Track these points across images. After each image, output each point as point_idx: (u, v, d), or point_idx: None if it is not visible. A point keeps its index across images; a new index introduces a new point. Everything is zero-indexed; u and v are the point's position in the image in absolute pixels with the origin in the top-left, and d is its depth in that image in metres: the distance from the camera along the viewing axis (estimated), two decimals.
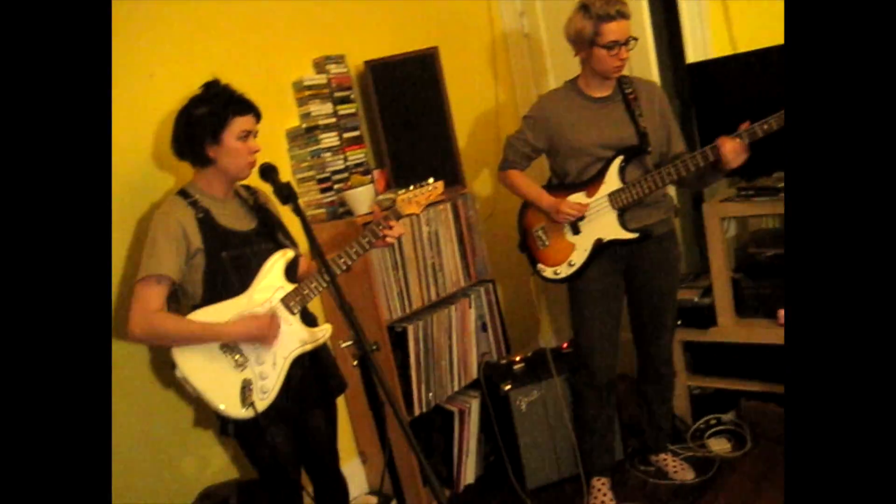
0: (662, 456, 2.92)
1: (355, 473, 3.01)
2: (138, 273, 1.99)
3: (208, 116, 1.99)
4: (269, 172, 2.05)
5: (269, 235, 2.16)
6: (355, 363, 1.81)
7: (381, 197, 2.80)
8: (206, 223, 2.04)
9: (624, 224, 2.53)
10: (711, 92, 2.98)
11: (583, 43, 2.46)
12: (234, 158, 2.04)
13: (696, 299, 3.02)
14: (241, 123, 2.02)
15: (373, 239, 2.17)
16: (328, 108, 2.87)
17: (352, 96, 2.97)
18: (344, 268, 2.14)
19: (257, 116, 2.09)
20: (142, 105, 2.43)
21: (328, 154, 2.85)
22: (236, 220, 2.12)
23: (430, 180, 2.24)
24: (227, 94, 2.04)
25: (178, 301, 2.10)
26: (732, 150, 2.31)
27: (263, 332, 2.02)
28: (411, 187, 2.22)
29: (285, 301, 2.09)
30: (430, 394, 2.89)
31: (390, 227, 2.17)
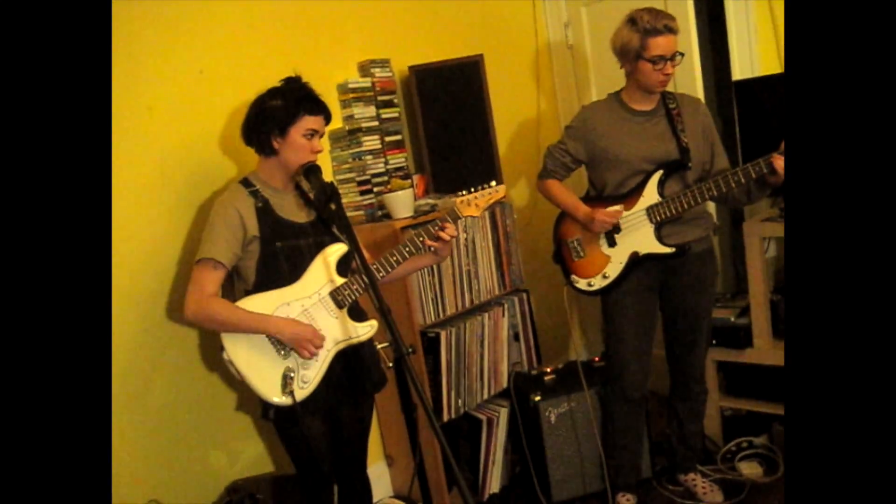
0: (691, 476, 2.88)
1: (381, 476, 3.02)
2: (197, 254, 2.06)
3: (280, 109, 2.04)
4: (312, 172, 2.07)
5: (326, 229, 2.18)
6: (391, 365, 1.81)
7: (420, 202, 2.81)
8: (264, 212, 2.09)
9: (661, 239, 2.51)
10: (757, 110, 2.94)
11: (628, 56, 2.45)
12: (296, 154, 2.07)
13: (732, 319, 2.98)
14: (309, 122, 2.06)
15: (427, 238, 2.15)
16: (371, 111, 2.90)
17: (395, 100, 2.99)
18: (395, 265, 2.15)
19: (328, 119, 2.13)
20: (192, 99, 2.50)
21: (369, 157, 2.88)
22: (294, 211, 2.16)
23: (493, 183, 2.22)
24: (303, 92, 2.08)
25: (233, 285, 2.15)
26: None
27: (301, 343, 2.04)
28: (472, 189, 2.20)
29: (334, 294, 2.11)
30: (460, 400, 2.89)
31: (444, 229, 2.15)
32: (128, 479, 2.34)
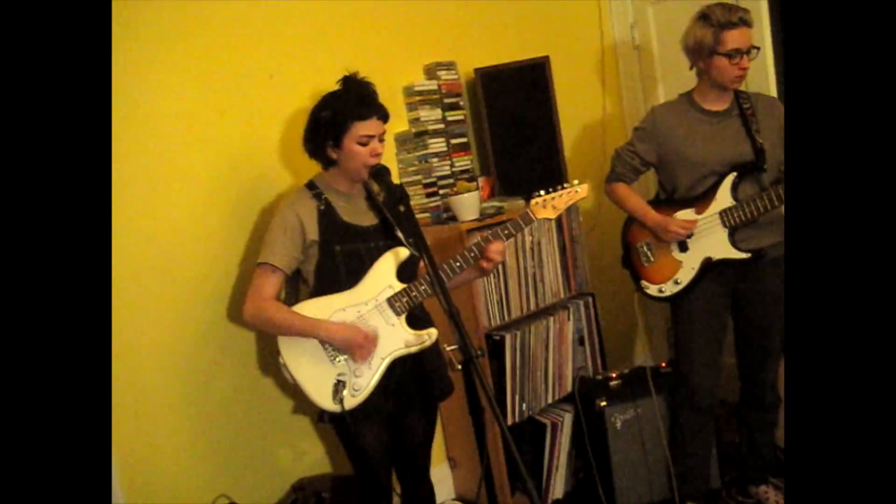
0: (763, 488, 2.79)
1: (443, 478, 3.01)
2: (259, 257, 2.09)
3: (330, 120, 2.04)
4: (381, 174, 2.07)
5: (389, 233, 2.15)
6: (459, 367, 1.80)
7: (485, 204, 2.80)
8: (326, 216, 2.09)
9: (735, 244, 2.45)
10: None
11: (702, 52, 2.39)
12: (353, 161, 2.06)
13: None
14: (361, 128, 2.03)
15: (478, 253, 2.09)
16: (437, 113, 2.91)
17: (461, 103, 3.00)
18: (458, 271, 2.10)
19: (383, 118, 2.09)
20: (262, 102, 2.55)
21: (435, 159, 2.89)
22: (359, 215, 2.15)
23: (575, 182, 2.11)
24: (355, 96, 2.05)
25: (298, 287, 2.16)
26: None
27: (352, 347, 2.04)
28: (549, 189, 2.11)
29: (391, 301, 2.08)
30: (524, 404, 2.87)
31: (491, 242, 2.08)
32: (197, 476, 2.40)
